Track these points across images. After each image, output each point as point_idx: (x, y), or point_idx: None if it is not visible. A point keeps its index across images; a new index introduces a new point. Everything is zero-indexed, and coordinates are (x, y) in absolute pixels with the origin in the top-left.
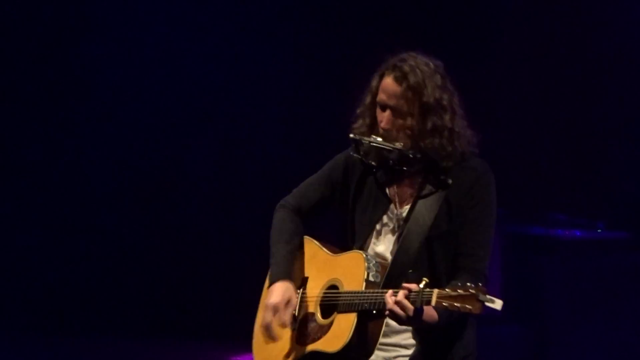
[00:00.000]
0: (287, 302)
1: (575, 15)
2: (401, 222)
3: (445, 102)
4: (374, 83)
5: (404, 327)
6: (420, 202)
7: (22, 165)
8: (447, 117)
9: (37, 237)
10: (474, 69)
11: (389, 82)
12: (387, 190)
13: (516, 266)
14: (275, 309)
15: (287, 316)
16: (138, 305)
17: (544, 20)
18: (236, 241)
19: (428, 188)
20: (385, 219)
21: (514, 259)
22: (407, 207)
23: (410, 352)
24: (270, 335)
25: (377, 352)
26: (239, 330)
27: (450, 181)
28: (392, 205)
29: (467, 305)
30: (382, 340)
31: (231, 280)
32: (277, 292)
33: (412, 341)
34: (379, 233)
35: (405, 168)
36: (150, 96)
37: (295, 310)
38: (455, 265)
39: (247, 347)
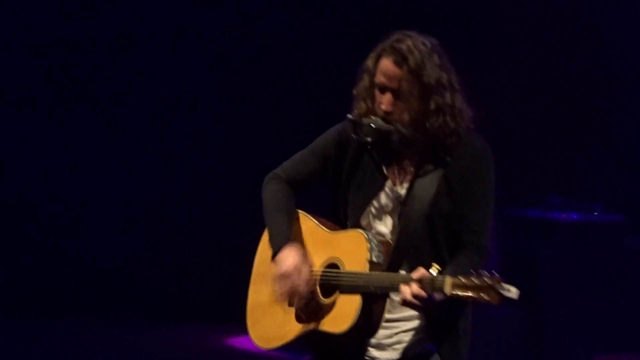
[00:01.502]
0: (300, 267)
1: None
2: (401, 201)
3: (444, 81)
4: (370, 64)
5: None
6: (419, 181)
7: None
8: (448, 95)
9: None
10: (467, 51)
11: (388, 64)
12: (384, 169)
13: (512, 249)
14: (290, 275)
15: (302, 280)
16: (136, 289)
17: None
18: (230, 223)
19: (427, 166)
20: (383, 197)
21: (511, 242)
22: (405, 186)
23: (411, 324)
24: (291, 303)
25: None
26: (236, 312)
27: (448, 159)
28: (390, 184)
29: (484, 296)
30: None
31: (227, 263)
32: (289, 255)
33: (414, 313)
34: (379, 212)
35: (407, 147)
36: (155, 86)
37: (307, 275)
38: (457, 241)
39: (243, 328)
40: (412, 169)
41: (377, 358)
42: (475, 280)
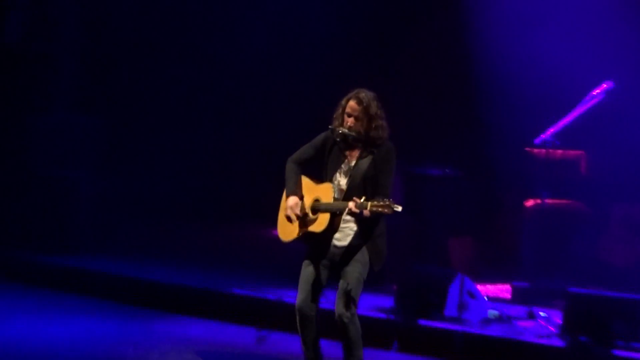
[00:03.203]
0: (296, 204)
1: None
2: (351, 170)
3: (379, 113)
4: (343, 102)
5: (350, 217)
6: (361, 161)
7: None
8: (379, 121)
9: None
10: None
11: (353, 104)
12: (345, 153)
13: (408, 188)
14: (292, 208)
15: (297, 211)
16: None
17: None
18: (271, 170)
19: (365, 154)
20: (343, 167)
21: (407, 184)
22: (354, 162)
23: (352, 228)
24: (290, 219)
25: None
26: (274, 217)
27: (375, 151)
28: (346, 161)
29: (385, 210)
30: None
31: (270, 198)
32: (292, 200)
33: (354, 224)
34: (340, 174)
35: (357, 144)
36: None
37: (300, 209)
38: (374, 193)
39: (275, 226)
40: (357, 154)
41: (337, 243)
42: (381, 202)
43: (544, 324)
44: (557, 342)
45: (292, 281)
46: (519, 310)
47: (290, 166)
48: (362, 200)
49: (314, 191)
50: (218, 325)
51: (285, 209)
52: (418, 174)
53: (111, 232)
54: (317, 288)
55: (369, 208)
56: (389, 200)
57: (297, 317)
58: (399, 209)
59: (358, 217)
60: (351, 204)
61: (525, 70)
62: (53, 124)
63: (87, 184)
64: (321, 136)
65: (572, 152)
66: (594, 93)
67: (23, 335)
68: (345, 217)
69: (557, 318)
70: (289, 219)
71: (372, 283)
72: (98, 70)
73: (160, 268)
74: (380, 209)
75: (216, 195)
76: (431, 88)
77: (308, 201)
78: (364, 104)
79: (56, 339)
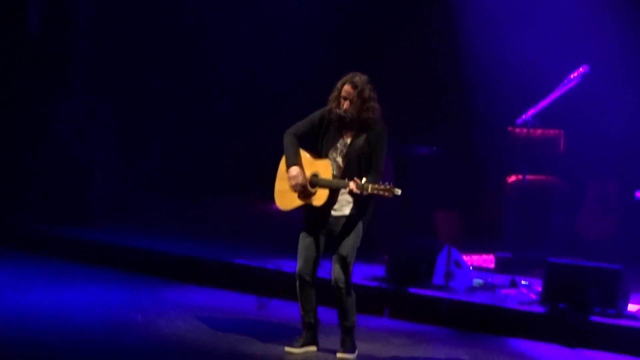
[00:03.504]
0: (299, 174)
1: None
2: (347, 148)
3: (371, 95)
4: (339, 86)
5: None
6: (355, 139)
7: None
8: (372, 103)
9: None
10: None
11: (347, 88)
12: (341, 132)
13: (400, 164)
14: (295, 177)
15: (300, 180)
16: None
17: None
18: (267, 143)
19: (359, 133)
20: (339, 145)
21: (399, 161)
22: (349, 140)
23: (347, 200)
24: (294, 189)
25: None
26: (270, 191)
27: (369, 130)
28: (342, 139)
29: (386, 193)
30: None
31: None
32: (295, 170)
33: (349, 198)
34: (337, 152)
35: (351, 124)
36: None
37: (302, 179)
38: (367, 169)
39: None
40: (353, 133)
41: (334, 214)
42: (382, 186)
43: (526, 291)
44: (538, 309)
45: (291, 251)
46: (502, 279)
47: (289, 138)
48: (363, 181)
49: (312, 166)
50: (221, 293)
51: (288, 178)
52: (407, 153)
53: (123, 206)
54: (315, 256)
55: (369, 190)
56: (389, 184)
57: (297, 283)
58: (399, 192)
59: (357, 197)
60: (352, 185)
61: (508, 55)
62: (72, 106)
63: (102, 162)
64: (318, 113)
65: (551, 132)
66: (571, 76)
67: (41, 302)
68: (343, 193)
69: (538, 286)
70: (293, 188)
71: (365, 254)
72: (113, 57)
73: (169, 240)
74: (381, 192)
75: (220, 171)
76: (420, 73)
77: (307, 174)
78: (359, 88)
79: (71, 306)
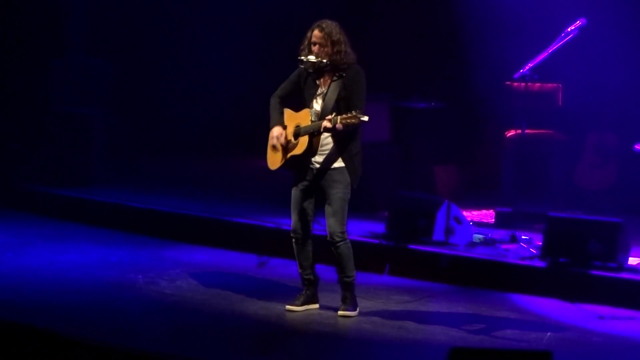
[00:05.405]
0: (281, 134)
1: None
2: (324, 94)
3: (341, 39)
4: (309, 33)
5: (329, 141)
6: (332, 84)
7: None
8: (342, 46)
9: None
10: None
11: (317, 32)
12: (316, 81)
13: (395, 115)
14: (277, 137)
15: (282, 139)
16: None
17: None
18: (256, 108)
19: (334, 78)
20: (317, 93)
21: (394, 114)
22: (325, 87)
23: (330, 148)
24: (276, 148)
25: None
26: (263, 150)
27: (344, 75)
28: (319, 87)
29: (352, 120)
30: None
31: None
32: (277, 130)
33: (331, 145)
34: (315, 99)
35: (325, 69)
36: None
37: (284, 138)
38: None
39: (264, 157)
40: (328, 80)
41: (317, 164)
42: (349, 114)
43: (526, 246)
44: (538, 263)
45: (289, 210)
46: (502, 234)
47: (273, 100)
48: (332, 116)
49: (294, 119)
50: (222, 251)
51: (269, 139)
52: (405, 107)
53: (122, 166)
54: (307, 210)
55: (339, 121)
56: (355, 111)
57: (293, 240)
58: (366, 118)
59: (333, 133)
60: (324, 122)
61: (506, 9)
62: (70, 66)
63: (100, 121)
64: (295, 71)
65: (549, 85)
66: (569, 30)
67: (41, 262)
68: (324, 141)
69: (538, 241)
70: (274, 148)
71: (364, 210)
72: (110, 15)
73: (168, 199)
74: (348, 120)
75: (219, 129)
76: (418, 26)
77: (290, 129)
78: (326, 30)
79: (72, 265)
